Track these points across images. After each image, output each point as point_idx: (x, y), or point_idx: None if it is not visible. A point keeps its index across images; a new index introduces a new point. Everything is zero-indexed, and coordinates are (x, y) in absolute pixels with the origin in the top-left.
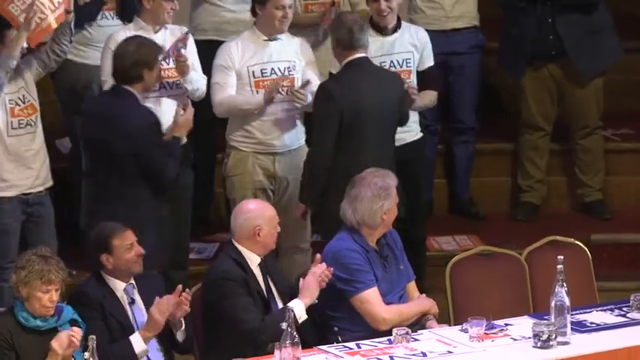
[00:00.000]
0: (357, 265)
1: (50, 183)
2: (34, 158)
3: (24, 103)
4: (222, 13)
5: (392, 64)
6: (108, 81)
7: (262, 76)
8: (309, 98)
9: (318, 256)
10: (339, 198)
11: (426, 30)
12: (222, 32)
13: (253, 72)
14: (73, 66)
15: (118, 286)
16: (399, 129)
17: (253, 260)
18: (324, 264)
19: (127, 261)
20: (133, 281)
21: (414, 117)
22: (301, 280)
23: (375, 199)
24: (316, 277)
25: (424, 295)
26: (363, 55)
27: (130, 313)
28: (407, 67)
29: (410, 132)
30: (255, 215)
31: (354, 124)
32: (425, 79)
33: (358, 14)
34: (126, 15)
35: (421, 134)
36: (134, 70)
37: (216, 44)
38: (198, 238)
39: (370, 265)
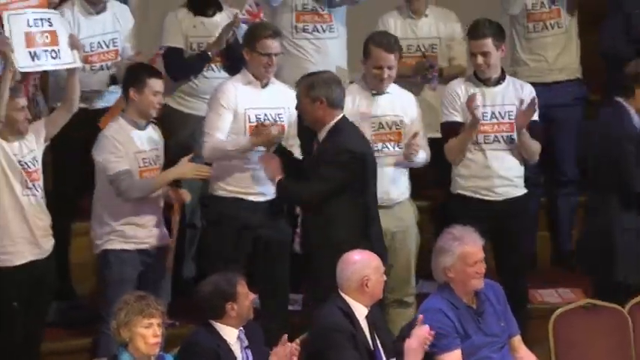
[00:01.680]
0: (439, 327)
1: (168, 240)
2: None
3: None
4: (305, 64)
5: (494, 116)
6: (210, 133)
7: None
8: (421, 155)
9: (421, 316)
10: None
11: (529, 82)
12: None
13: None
14: (180, 116)
15: (230, 333)
16: (504, 182)
17: (360, 311)
18: (426, 326)
19: (246, 308)
20: (242, 329)
21: (519, 172)
22: (406, 341)
23: (437, 254)
24: (420, 340)
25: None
26: (342, 114)
27: (244, 358)
28: (509, 119)
29: (515, 187)
30: (363, 266)
31: (367, 184)
32: (530, 133)
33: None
34: (232, 67)
35: (525, 190)
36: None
37: None
38: (297, 289)
39: (459, 322)
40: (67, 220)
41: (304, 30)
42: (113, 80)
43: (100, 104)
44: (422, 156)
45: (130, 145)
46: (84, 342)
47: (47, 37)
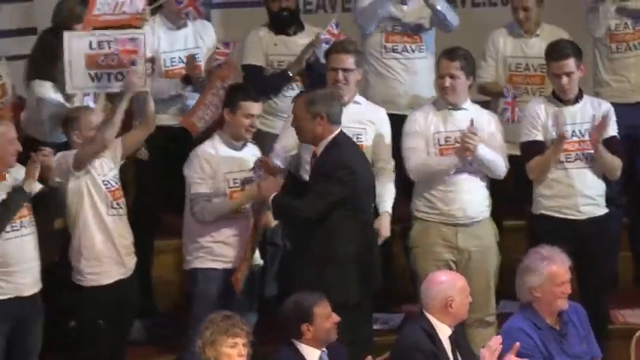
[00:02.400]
0: (522, 348)
1: (261, 262)
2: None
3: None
4: (393, 84)
5: (574, 134)
6: (277, 148)
7: (446, 144)
8: (484, 151)
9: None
10: (336, 272)
11: (612, 103)
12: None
13: (438, 139)
14: (258, 134)
15: (312, 353)
16: (587, 201)
17: (444, 332)
18: (499, 337)
19: (327, 329)
20: (325, 349)
21: (601, 190)
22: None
23: (523, 273)
24: (492, 351)
25: None
26: (339, 129)
27: None
28: (589, 136)
29: (597, 205)
30: (448, 286)
31: (365, 200)
32: (608, 148)
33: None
34: (312, 86)
35: (607, 209)
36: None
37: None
38: (383, 308)
39: (542, 343)
40: (150, 236)
41: (393, 50)
42: (186, 80)
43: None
44: (484, 154)
45: (220, 166)
46: (167, 359)
47: (113, 59)
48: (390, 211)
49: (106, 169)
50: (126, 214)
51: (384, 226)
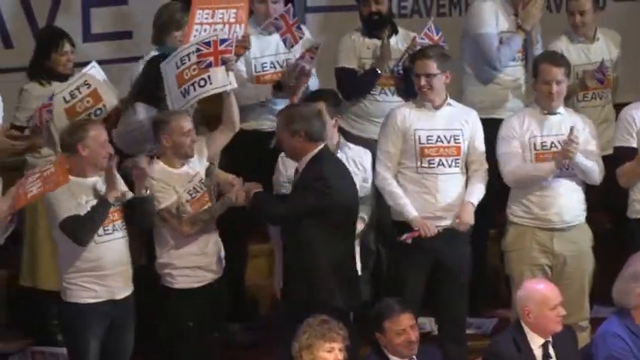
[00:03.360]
0: (617, 352)
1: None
2: None
3: None
4: (499, 91)
5: None
6: (380, 157)
7: (542, 149)
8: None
9: None
10: (326, 289)
11: None
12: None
13: (534, 144)
14: (349, 137)
15: None
16: None
17: (535, 341)
18: None
19: (397, 345)
20: (414, 357)
21: None
22: None
23: (630, 279)
24: None
25: None
26: (323, 144)
27: None
28: None
29: None
30: (526, 297)
31: (343, 214)
32: None
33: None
34: (406, 91)
35: None
36: None
37: (493, 121)
38: (477, 313)
39: (636, 347)
40: (243, 241)
41: None
42: (278, 86)
43: (267, 124)
44: (582, 161)
45: None
46: None
47: (194, 69)
48: (475, 202)
49: (192, 173)
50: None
51: (465, 215)
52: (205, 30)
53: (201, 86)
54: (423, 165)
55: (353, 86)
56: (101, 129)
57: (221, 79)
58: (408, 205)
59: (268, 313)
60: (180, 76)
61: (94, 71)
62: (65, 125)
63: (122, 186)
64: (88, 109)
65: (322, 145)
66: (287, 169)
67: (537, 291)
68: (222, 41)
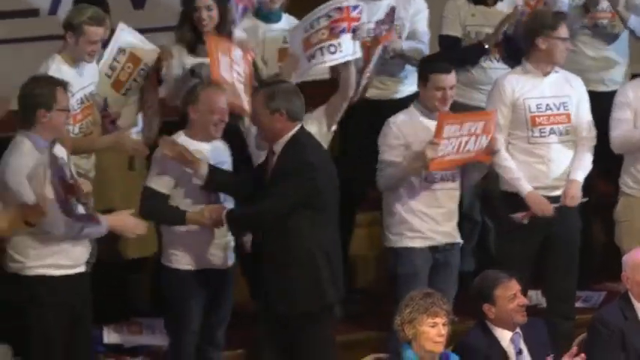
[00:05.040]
0: None
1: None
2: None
3: None
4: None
5: None
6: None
7: None
8: None
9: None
10: (305, 273)
11: None
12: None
13: None
14: (454, 105)
15: (504, 335)
16: None
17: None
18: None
19: (510, 311)
20: (519, 330)
21: None
22: None
23: None
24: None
25: None
26: (300, 124)
27: None
28: None
29: None
30: (625, 262)
31: (328, 198)
32: None
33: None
34: (510, 58)
35: None
36: None
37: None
38: (585, 286)
39: None
40: (352, 210)
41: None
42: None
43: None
44: None
45: (417, 135)
46: (362, 336)
47: (323, 33)
48: (581, 179)
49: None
50: None
51: (571, 194)
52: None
53: (331, 52)
54: (534, 135)
55: (457, 56)
56: (217, 92)
57: (351, 47)
58: (522, 179)
59: (368, 285)
60: (307, 41)
61: (123, 34)
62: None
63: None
64: (131, 74)
65: (300, 125)
66: (402, 133)
67: (632, 256)
68: (354, 8)
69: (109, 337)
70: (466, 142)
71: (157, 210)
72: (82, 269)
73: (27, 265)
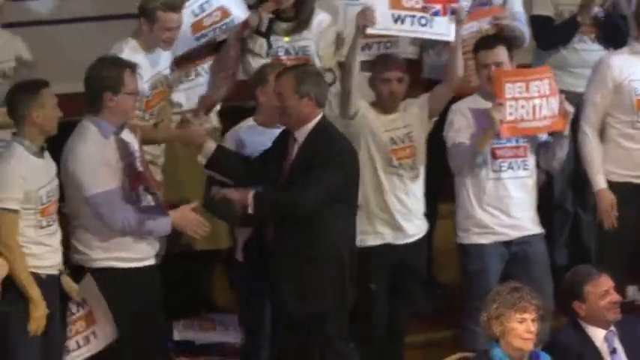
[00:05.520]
0: None
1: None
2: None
3: None
4: None
5: None
6: (586, 110)
7: None
8: None
9: None
10: (329, 270)
11: None
12: None
13: None
14: None
15: (597, 334)
16: None
17: None
18: None
19: (601, 308)
20: (613, 328)
21: None
22: None
23: None
24: None
25: None
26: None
27: None
28: None
29: None
30: None
31: (355, 191)
32: None
33: None
34: (606, 38)
35: None
36: None
37: None
38: None
39: None
40: (434, 200)
41: None
42: None
43: None
44: None
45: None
46: (443, 335)
47: (417, 2)
48: None
49: (400, 123)
50: (414, 178)
51: None
52: None
53: (421, 25)
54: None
55: (549, 36)
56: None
57: (443, 28)
58: (600, 172)
59: (451, 280)
60: (396, 1)
61: None
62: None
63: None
64: (214, 23)
65: (322, 114)
66: (466, 116)
67: None
68: None
69: (180, 333)
70: (540, 107)
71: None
72: (150, 262)
73: (92, 258)
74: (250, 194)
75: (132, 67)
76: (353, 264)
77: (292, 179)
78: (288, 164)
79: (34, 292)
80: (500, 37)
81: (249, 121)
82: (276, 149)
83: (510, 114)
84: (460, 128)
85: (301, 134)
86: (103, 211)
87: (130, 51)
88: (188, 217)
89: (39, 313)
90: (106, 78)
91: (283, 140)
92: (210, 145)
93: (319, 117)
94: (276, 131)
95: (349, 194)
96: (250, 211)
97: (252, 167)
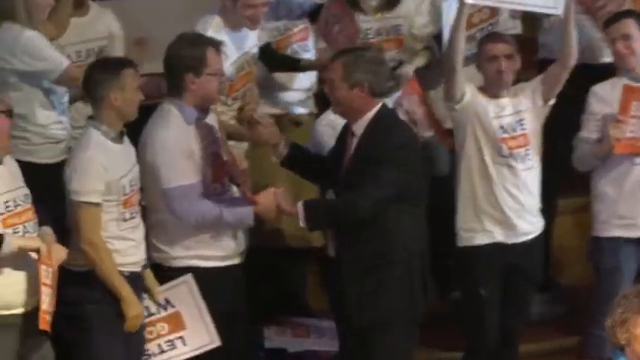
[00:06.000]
0: None
1: None
2: None
3: None
4: None
5: None
6: None
7: None
8: None
9: None
10: (397, 279)
11: None
12: None
13: None
14: None
15: None
16: None
17: None
18: None
19: None
20: None
21: None
22: None
23: None
24: None
25: None
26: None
27: None
28: None
29: None
30: None
31: (421, 188)
32: None
33: None
34: None
35: None
36: None
37: None
38: None
39: None
40: (554, 194)
41: None
42: None
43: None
44: None
45: None
46: (568, 342)
47: None
48: None
49: (511, 110)
50: (530, 169)
51: None
52: None
53: None
54: None
55: None
56: None
57: (550, 1)
58: None
59: (576, 281)
60: None
61: None
62: None
63: None
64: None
65: (382, 103)
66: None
67: None
68: None
69: (271, 340)
70: None
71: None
72: (235, 261)
73: (172, 256)
74: (300, 204)
75: (216, 45)
76: (424, 267)
77: (350, 178)
78: (346, 161)
79: (126, 291)
80: (630, 11)
81: (329, 114)
82: (338, 145)
83: (631, 131)
84: (590, 116)
85: (359, 127)
86: (176, 206)
87: (214, 29)
88: (266, 202)
89: (133, 312)
90: (186, 57)
91: (344, 135)
92: (284, 146)
93: (378, 107)
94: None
95: (414, 190)
96: (302, 223)
97: (324, 167)
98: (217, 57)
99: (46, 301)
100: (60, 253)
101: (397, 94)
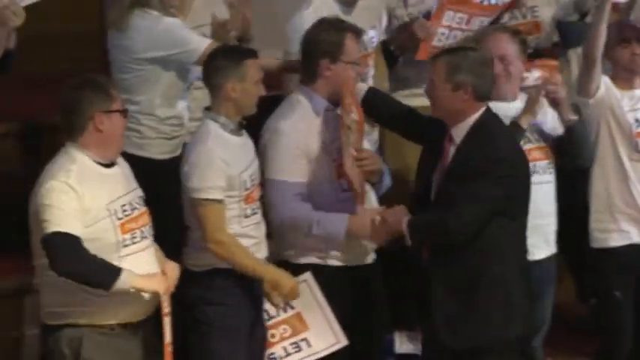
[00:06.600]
0: None
1: None
2: None
3: None
4: None
5: None
6: None
7: None
8: None
9: None
10: (494, 298)
11: None
12: None
13: None
14: None
15: None
16: None
17: None
18: None
19: None
20: None
21: None
22: None
23: None
24: None
25: None
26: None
27: None
28: None
29: None
30: None
31: (524, 202)
32: None
33: None
34: None
35: None
36: None
37: None
38: None
39: None
40: None
41: None
42: None
43: None
44: None
45: None
46: None
47: None
48: None
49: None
50: None
51: None
52: None
53: None
54: None
55: None
56: None
57: None
58: None
59: None
60: None
61: None
62: None
63: None
64: None
65: (485, 107)
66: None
67: None
68: None
69: (403, 346)
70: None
71: None
72: (360, 262)
73: (290, 253)
74: (404, 223)
75: (356, 31)
76: (525, 286)
77: (446, 191)
78: (442, 168)
79: (270, 274)
80: None
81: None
82: (435, 141)
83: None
84: None
85: (458, 133)
86: (273, 199)
87: (321, 1)
88: (366, 226)
89: (287, 288)
90: (323, 42)
91: (441, 138)
92: (362, 85)
93: (481, 111)
94: None
95: (516, 206)
96: (408, 242)
97: (403, 115)
98: (356, 45)
99: (168, 332)
100: (174, 272)
101: (537, 75)
